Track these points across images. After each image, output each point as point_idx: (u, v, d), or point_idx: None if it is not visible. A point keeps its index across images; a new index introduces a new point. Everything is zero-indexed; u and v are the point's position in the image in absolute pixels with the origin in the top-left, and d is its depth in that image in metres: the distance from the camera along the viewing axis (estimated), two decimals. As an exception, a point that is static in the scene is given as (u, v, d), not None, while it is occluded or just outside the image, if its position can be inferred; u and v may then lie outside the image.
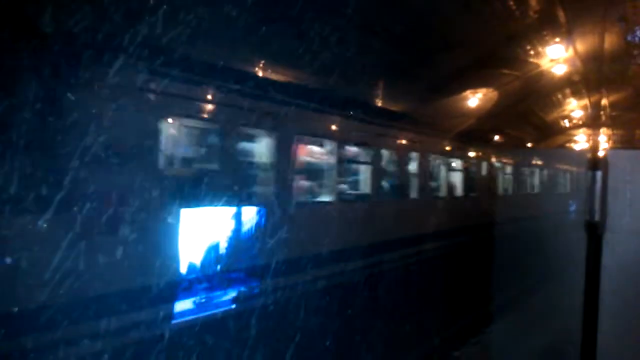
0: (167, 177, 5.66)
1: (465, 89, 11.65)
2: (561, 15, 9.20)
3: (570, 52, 10.93)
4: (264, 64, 6.98)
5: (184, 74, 5.64)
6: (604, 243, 1.73)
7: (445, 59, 9.52)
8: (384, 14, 7.42)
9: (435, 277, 9.57)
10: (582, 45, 10.90)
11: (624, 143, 22.02)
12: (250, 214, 6.87)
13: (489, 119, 13.20)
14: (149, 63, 5.06)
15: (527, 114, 16.18)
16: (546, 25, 9.66)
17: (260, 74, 7.04)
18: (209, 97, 6.34)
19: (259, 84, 6.81)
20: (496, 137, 16.66)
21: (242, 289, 6.49)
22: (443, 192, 12.28)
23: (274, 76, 7.25)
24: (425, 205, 11.23)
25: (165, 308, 5.40)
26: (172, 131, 6.01)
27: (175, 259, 5.66)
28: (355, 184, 9.41)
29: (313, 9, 6.39)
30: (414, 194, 10.99)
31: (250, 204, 6.89)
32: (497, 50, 10.24)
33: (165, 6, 4.72)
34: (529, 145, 19.02)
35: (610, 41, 11.89)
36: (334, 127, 8.61)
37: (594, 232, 1.79)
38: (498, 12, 8.60)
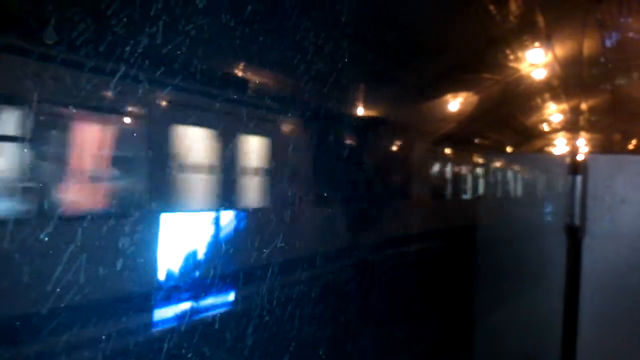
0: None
1: (445, 94, 11.75)
2: (541, 20, 9.34)
3: (550, 56, 11.10)
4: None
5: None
6: (584, 247, 1.73)
7: (426, 63, 9.59)
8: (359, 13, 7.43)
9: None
10: (561, 50, 11.09)
11: (602, 147, 22.52)
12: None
13: (470, 123, 13.37)
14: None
15: (508, 118, 16.41)
16: (526, 30, 9.79)
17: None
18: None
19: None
20: (478, 141, 16.90)
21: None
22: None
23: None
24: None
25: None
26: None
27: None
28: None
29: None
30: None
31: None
32: (478, 55, 10.36)
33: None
34: (510, 149, 19.33)
35: (588, 46, 12.12)
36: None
37: (574, 236, 1.79)
38: (479, 17, 8.69)
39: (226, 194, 6.07)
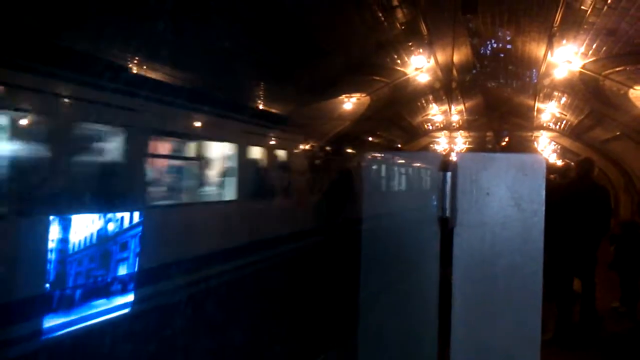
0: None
1: (340, 94, 12.21)
2: (423, 28, 10.05)
3: (432, 62, 11.96)
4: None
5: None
6: (455, 235, 2.00)
7: (322, 64, 9.89)
8: (260, 16, 7.52)
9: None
10: (442, 56, 12.01)
11: (477, 144, 24.87)
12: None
13: (362, 122, 14.00)
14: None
15: (396, 118, 17.44)
16: (411, 37, 10.46)
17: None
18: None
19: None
20: (370, 139, 17.77)
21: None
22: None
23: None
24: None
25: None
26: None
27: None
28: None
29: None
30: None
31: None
32: (368, 58, 10.86)
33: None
34: (399, 146, 20.57)
35: (465, 53, 13.28)
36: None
37: (446, 226, 2.06)
38: (368, 22, 9.14)
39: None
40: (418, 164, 2.77)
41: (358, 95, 12.45)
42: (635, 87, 9.81)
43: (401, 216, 2.65)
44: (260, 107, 11.03)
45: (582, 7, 7.74)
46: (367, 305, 2.60)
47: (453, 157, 2.46)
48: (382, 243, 2.60)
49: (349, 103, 12.57)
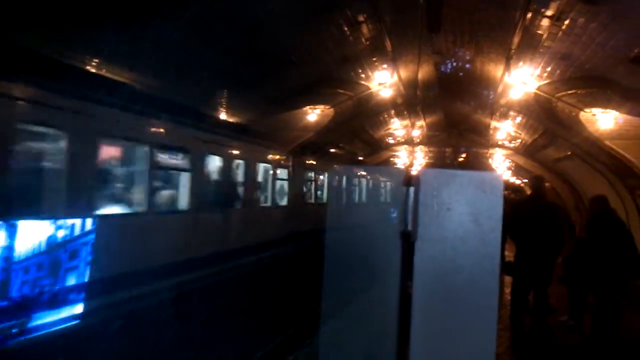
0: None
1: (305, 105, 12.23)
2: (388, 44, 10.22)
3: (395, 78, 12.16)
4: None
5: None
6: (416, 249, 2.04)
7: (288, 75, 9.89)
8: (228, 26, 7.47)
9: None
10: (404, 72, 12.23)
11: (437, 159, 25.44)
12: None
13: (326, 133, 14.07)
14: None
15: (359, 131, 17.63)
16: (375, 53, 10.61)
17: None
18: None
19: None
20: (332, 150, 17.89)
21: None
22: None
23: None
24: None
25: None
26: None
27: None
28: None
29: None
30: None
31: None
32: (333, 71, 10.94)
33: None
34: (360, 158, 20.78)
35: (427, 71, 13.59)
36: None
37: (407, 240, 2.09)
38: (334, 36, 9.22)
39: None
40: (382, 178, 2.78)
41: (322, 107, 12.51)
42: (586, 110, 10.31)
43: (364, 228, 2.66)
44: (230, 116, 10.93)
45: (539, 32, 8.08)
46: (328, 316, 2.59)
47: (414, 172, 2.50)
48: (344, 255, 2.60)
49: (313, 114, 12.61)
